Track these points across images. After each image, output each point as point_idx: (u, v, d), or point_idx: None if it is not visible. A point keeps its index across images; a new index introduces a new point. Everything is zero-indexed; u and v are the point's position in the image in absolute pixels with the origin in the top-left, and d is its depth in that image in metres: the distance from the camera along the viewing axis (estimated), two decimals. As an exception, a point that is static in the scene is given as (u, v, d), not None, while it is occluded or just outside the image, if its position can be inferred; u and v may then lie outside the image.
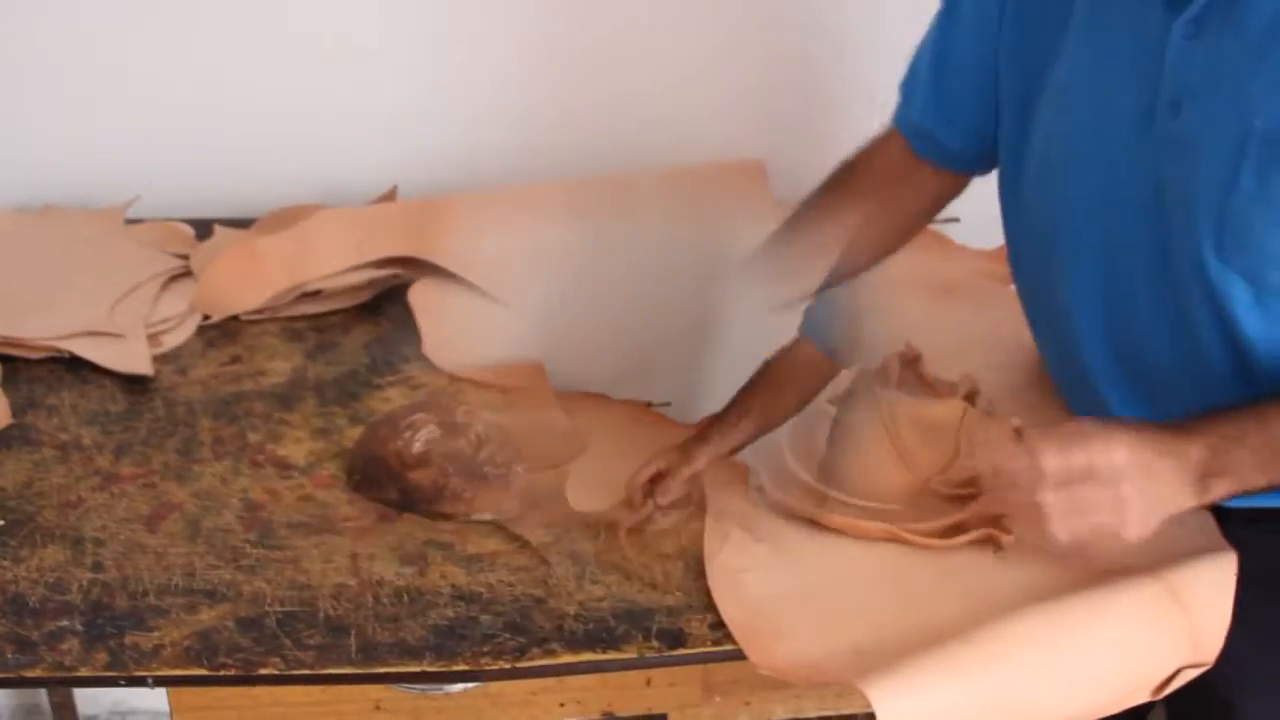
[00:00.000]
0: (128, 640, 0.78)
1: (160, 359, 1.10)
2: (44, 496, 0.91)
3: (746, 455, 0.98)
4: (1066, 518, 0.78)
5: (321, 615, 0.81)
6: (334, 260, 1.22)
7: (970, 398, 1.00)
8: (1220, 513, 0.93)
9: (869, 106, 1.12)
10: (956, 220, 1.49)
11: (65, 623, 0.79)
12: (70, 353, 1.07)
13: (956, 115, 0.99)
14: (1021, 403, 1.05)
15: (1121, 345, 0.93)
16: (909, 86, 1.02)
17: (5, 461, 0.95)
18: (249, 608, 0.82)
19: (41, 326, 1.08)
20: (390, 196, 1.35)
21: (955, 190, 1.06)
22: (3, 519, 0.88)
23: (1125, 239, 0.89)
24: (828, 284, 1.05)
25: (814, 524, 0.92)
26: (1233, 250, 0.83)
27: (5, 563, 0.84)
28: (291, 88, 1.36)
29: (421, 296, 1.23)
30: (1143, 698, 0.82)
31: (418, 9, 1.39)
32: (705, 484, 0.95)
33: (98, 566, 0.84)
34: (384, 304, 1.24)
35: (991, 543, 0.89)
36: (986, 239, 1.42)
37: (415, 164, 1.40)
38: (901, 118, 1.02)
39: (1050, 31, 0.92)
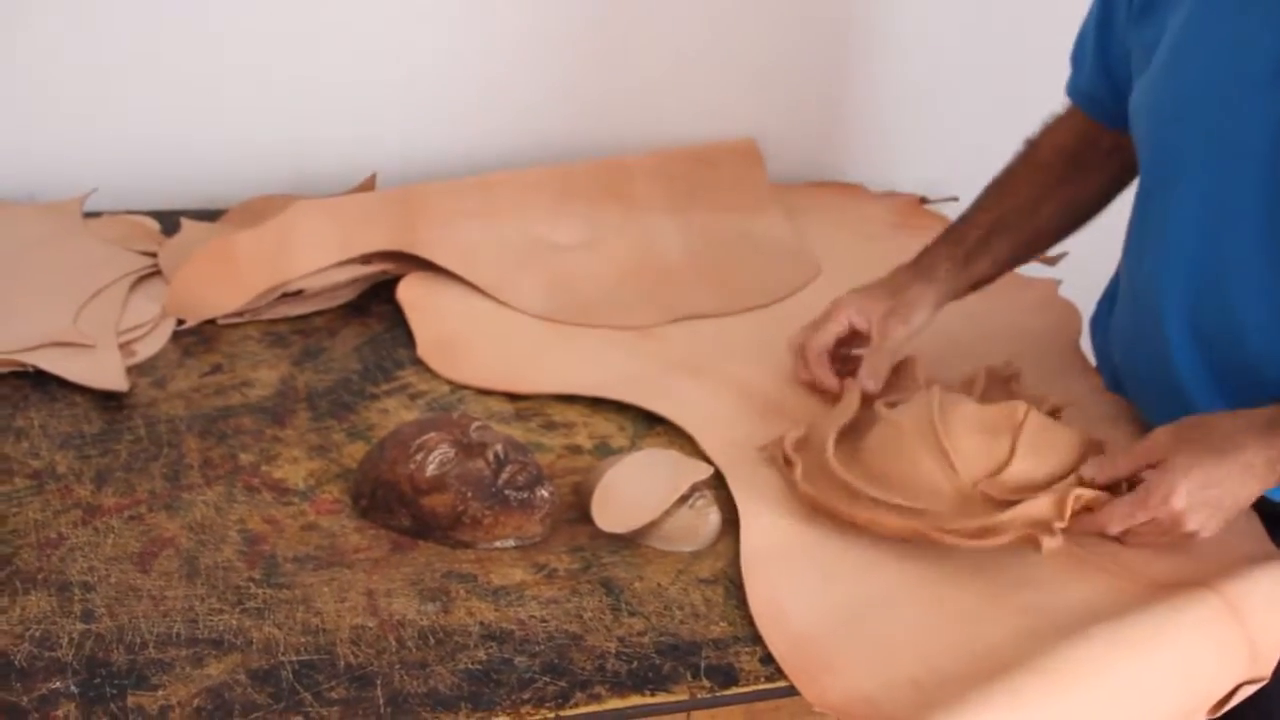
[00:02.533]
0: (130, 702, 0.70)
1: (135, 371, 1.01)
2: (20, 535, 0.82)
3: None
4: (1146, 544, 0.85)
5: (342, 664, 0.74)
6: (316, 257, 1.13)
7: (1053, 409, 0.94)
8: (1266, 518, 0.90)
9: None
10: (955, 199, 1.45)
11: (58, 684, 0.71)
12: (35, 367, 0.98)
13: (1119, 77, 0.99)
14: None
15: (1205, 326, 0.90)
16: (1078, 55, 1.04)
17: (-26, 496, 0.86)
18: (261, 658, 0.74)
19: (4, 339, 0.99)
20: (369, 185, 1.26)
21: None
22: (-24, 564, 0.80)
23: (1232, 194, 0.86)
24: (1017, 259, 1.08)
25: (849, 535, 0.87)
26: None
27: (-16, 615, 0.76)
28: (258, 69, 1.27)
29: (411, 293, 1.16)
30: (1202, 716, 0.79)
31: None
32: (737, 497, 0.90)
33: (89, 615, 0.76)
34: (370, 302, 1.16)
35: (1030, 543, 0.82)
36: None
37: (392, 149, 1.32)
38: (1073, 86, 1.06)
39: None
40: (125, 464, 0.91)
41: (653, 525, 0.86)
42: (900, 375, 1.02)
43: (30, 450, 0.91)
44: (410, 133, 1.33)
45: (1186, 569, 0.84)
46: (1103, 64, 1.01)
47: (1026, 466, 0.87)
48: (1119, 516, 0.83)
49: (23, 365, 0.98)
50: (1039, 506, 0.84)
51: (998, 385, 0.98)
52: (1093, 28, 1.01)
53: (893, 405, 0.94)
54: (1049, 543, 0.82)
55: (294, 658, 0.74)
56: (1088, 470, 0.85)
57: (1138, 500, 0.82)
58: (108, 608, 0.77)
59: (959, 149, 1.39)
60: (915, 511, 0.86)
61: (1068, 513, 0.83)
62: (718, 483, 0.91)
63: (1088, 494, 0.84)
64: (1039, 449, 0.87)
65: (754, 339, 1.14)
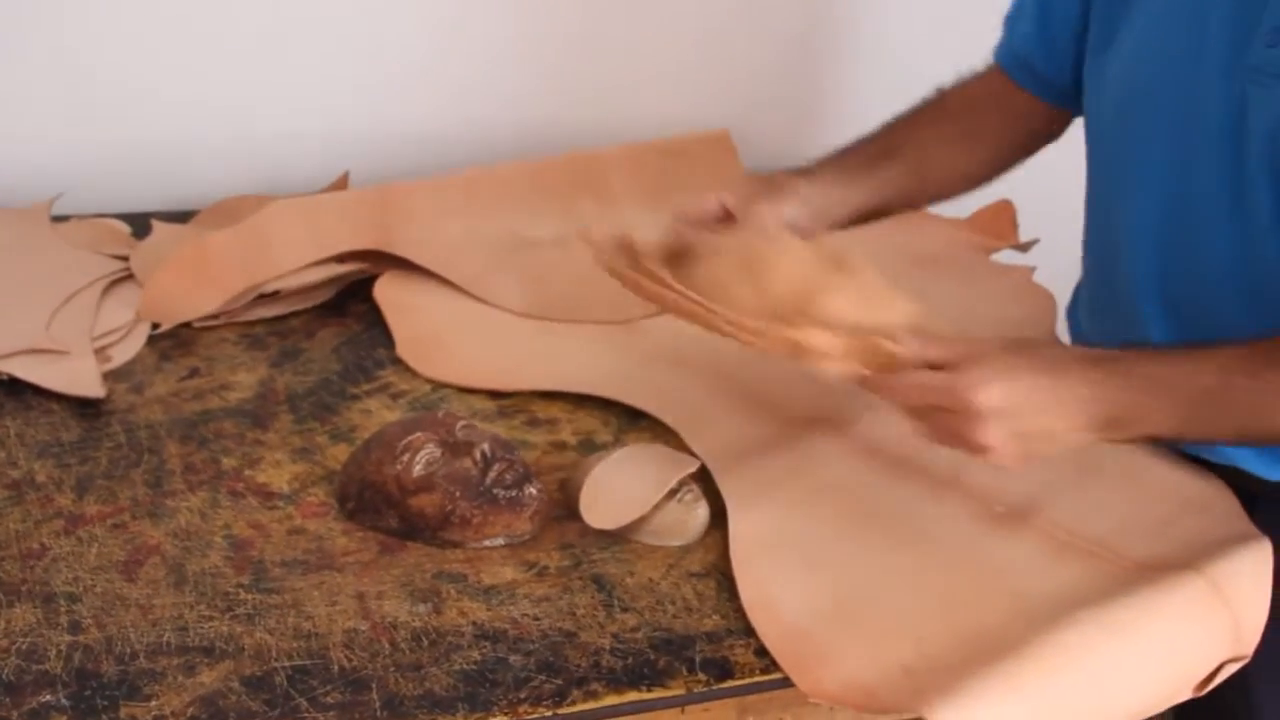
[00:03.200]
0: (123, 713, 0.69)
1: (111, 376, 0.99)
2: (1, 546, 0.81)
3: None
4: (935, 437, 0.78)
5: (336, 668, 0.73)
6: (291, 257, 1.12)
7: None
8: (1243, 496, 0.91)
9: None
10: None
11: (48, 697, 0.70)
12: (8, 375, 0.96)
13: (1055, 45, 1.00)
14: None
15: (1178, 295, 0.90)
16: (1013, 19, 1.04)
17: (-48, 508, 0.85)
18: (254, 664, 0.73)
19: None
20: (342, 184, 1.25)
21: (1048, 126, 1.06)
22: (-41, 577, 0.78)
23: (1198, 171, 0.86)
24: (902, 199, 1.04)
25: (836, 526, 0.87)
26: None
27: (-32, 629, 0.75)
28: (227, 66, 1.25)
29: (388, 292, 1.15)
30: (1186, 695, 0.80)
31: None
32: (725, 494, 0.90)
33: (75, 627, 0.75)
34: (348, 302, 1.15)
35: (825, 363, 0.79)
36: (958, 208, 1.39)
37: (365, 147, 1.31)
38: (1006, 50, 1.05)
39: None
40: (106, 471, 0.89)
41: (642, 520, 0.86)
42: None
43: (8, 459, 0.89)
44: (383, 130, 1.32)
45: (1170, 550, 0.85)
46: (1043, 32, 1.00)
47: (844, 307, 0.81)
48: (916, 386, 0.77)
49: (-3, 374, 0.96)
50: (836, 340, 0.79)
51: None
52: None
53: None
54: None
55: (287, 663, 0.74)
56: (901, 338, 0.78)
57: (942, 379, 0.76)
58: (95, 618, 0.76)
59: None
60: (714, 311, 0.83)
61: (862, 354, 0.78)
62: (704, 476, 0.91)
63: (894, 349, 0.77)
64: (869, 299, 0.82)
65: (733, 330, 1.14)
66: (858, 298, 0.82)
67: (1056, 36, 1.00)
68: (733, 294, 0.83)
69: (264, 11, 1.25)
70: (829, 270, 0.83)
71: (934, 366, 0.77)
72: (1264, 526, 0.88)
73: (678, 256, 0.90)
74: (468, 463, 0.85)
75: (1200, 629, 0.81)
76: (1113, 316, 0.98)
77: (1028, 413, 0.75)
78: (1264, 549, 0.85)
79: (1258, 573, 0.84)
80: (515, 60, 1.34)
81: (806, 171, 1.02)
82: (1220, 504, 0.91)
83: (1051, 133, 1.07)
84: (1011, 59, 1.04)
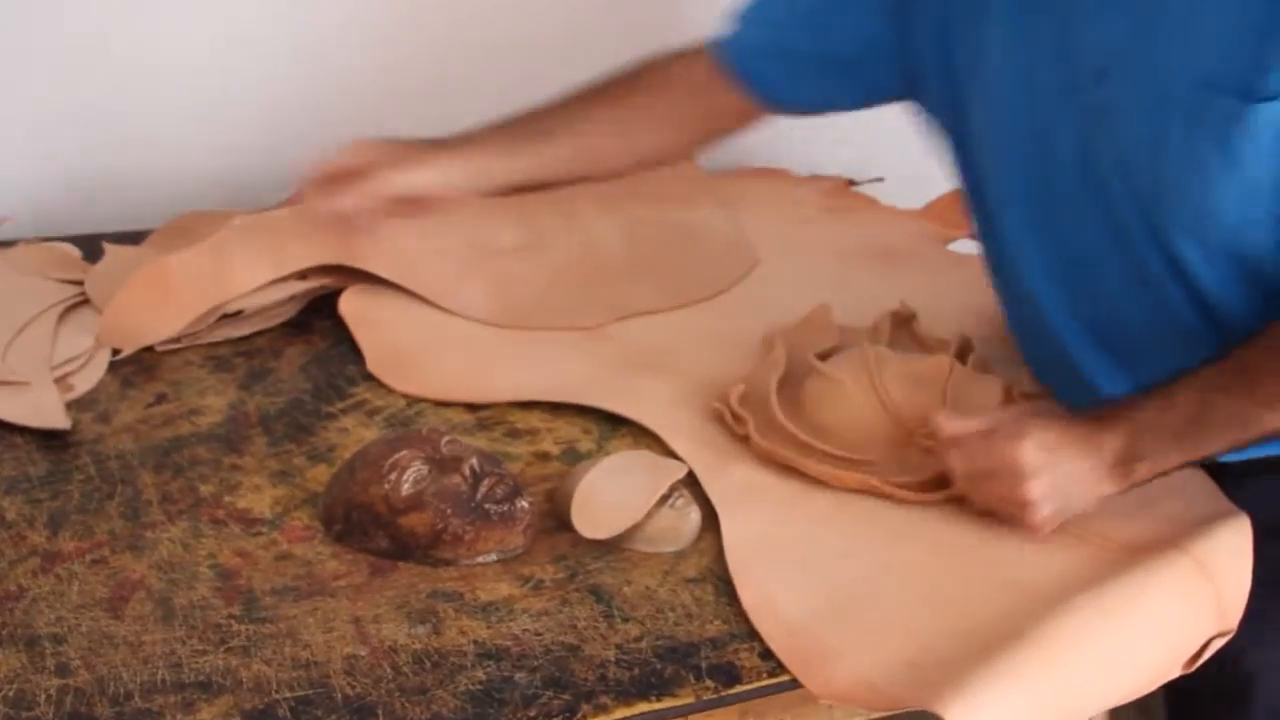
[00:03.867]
0: (123, 756, 0.67)
1: (74, 406, 0.96)
2: (-24, 590, 0.78)
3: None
4: (981, 502, 0.85)
5: (339, 696, 0.72)
6: (252, 275, 1.09)
7: (962, 354, 1.00)
8: (1209, 471, 0.93)
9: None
10: (881, 180, 1.47)
11: (42, 745, 0.67)
12: (-32, 410, 0.93)
13: (839, 67, 0.99)
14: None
15: (1090, 315, 0.93)
16: (750, 24, 1.00)
17: (-80, 551, 0.81)
18: (254, 697, 0.71)
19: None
20: (297, 200, 1.22)
21: (750, 122, 1.04)
22: (-65, 624, 0.75)
23: (1073, 210, 0.89)
24: (567, 180, 1.04)
25: (828, 524, 0.88)
26: (1174, 211, 0.84)
27: (-51, 679, 0.71)
28: (175, 81, 1.22)
29: (353, 306, 1.12)
30: (1176, 672, 0.82)
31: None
32: (713, 498, 0.89)
33: (64, 669, 0.72)
34: (312, 319, 1.12)
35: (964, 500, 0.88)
36: (912, 199, 1.40)
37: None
38: (731, 47, 1.01)
39: (973, 12, 0.90)
40: (79, 505, 0.86)
41: (635, 528, 0.85)
42: (813, 324, 1.07)
43: (-26, 498, 0.86)
44: (335, 143, 1.29)
45: (1155, 531, 0.86)
46: (820, 49, 0.99)
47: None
48: (964, 452, 0.83)
49: (-45, 409, 0.93)
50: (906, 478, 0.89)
51: (901, 327, 1.06)
52: (795, 14, 1.00)
53: (822, 358, 0.99)
54: None
55: (289, 694, 0.72)
56: (944, 419, 0.85)
57: (986, 441, 0.82)
58: (83, 659, 0.73)
59: (880, 131, 1.41)
60: (861, 463, 0.91)
61: None
62: (691, 480, 0.91)
63: (941, 431, 0.86)
64: (966, 399, 0.93)
65: (702, 332, 1.14)
66: (959, 400, 0.93)
67: (841, 55, 0.99)
68: (862, 428, 0.94)
69: (215, 33, 1.22)
70: (933, 381, 0.95)
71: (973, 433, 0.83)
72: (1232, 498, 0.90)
73: (783, 384, 0.99)
74: (457, 479, 0.83)
75: (1187, 607, 0.82)
76: (1057, 374, 0.99)
77: (1061, 461, 0.81)
78: (1243, 524, 0.87)
79: (1238, 547, 0.86)
80: (466, 78, 1.33)
81: (453, 142, 1.00)
82: (1196, 483, 0.92)
83: (748, 126, 1.06)
84: (736, 59, 1.01)
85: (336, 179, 0.96)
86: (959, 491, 0.87)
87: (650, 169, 1.07)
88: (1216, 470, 0.93)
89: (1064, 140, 0.88)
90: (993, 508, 0.85)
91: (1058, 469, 0.81)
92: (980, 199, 0.97)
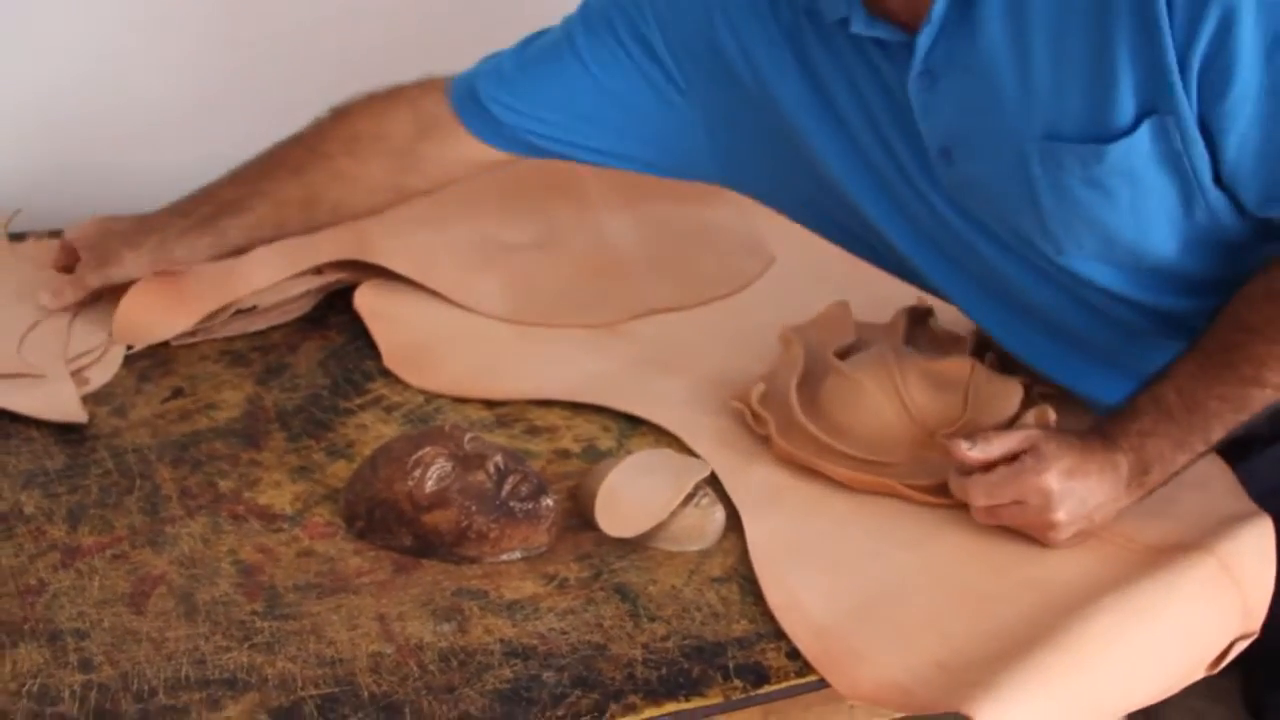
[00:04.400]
0: (148, 754, 0.66)
1: (90, 400, 0.95)
2: (-3, 583, 0.77)
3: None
4: (1007, 522, 0.84)
5: (365, 694, 0.71)
6: (266, 271, 1.09)
7: (978, 352, 1.00)
8: (1237, 445, 0.92)
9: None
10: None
11: (67, 741, 0.66)
12: (-15, 403, 0.92)
13: (553, 127, 1.00)
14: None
15: (1046, 335, 0.95)
16: (498, 80, 1.00)
17: (-60, 545, 0.80)
18: (280, 695, 0.70)
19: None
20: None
21: (489, 165, 1.05)
22: (-45, 619, 0.74)
23: (985, 257, 0.92)
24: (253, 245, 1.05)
25: (849, 524, 0.87)
26: (1074, 248, 0.87)
27: (-28, 674, 0.70)
28: (176, 72, 1.21)
29: (369, 302, 1.12)
30: (1201, 674, 0.81)
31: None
32: (735, 498, 0.89)
33: (87, 665, 0.71)
34: (327, 314, 1.12)
35: None
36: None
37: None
38: (475, 109, 1.00)
39: (796, 103, 0.93)
40: (98, 500, 0.85)
41: (659, 527, 0.84)
42: (830, 321, 1.06)
43: (-8, 492, 0.85)
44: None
45: (1179, 532, 0.86)
46: (582, 106, 0.99)
47: (976, 418, 0.92)
48: (987, 487, 0.83)
49: (-30, 402, 0.92)
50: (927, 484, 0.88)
51: (917, 323, 1.05)
52: (548, 68, 0.99)
53: (840, 355, 0.99)
54: None
55: (314, 692, 0.71)
56: (964, 447, 0.84)
57: (1011, 473, 0.82)
58: (106, 655, 0.72)
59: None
60: (881, 465, 0.91)
61: None
62: (712, 479, 0.90)
63: (964, 458, 0.86)
64: (987, 400, 0.93)
65: (719, 331, 1.13)
66: (980, 402, 0.94)
67: (560, 121, 0.99)
68: (884, 429, 0.94)
69: (214, 23, 1.21)
70: (954, 383, 0.95)
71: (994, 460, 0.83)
72: (1262, 467, 0.91)
73: (802, 383, 0.98)
74: (481, 476, 0.83)
75: (1214, 608, 0.82)
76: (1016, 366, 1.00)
77: (1083, 484, 0.82)
78: (1265, 525, 0.87)
79: (1263, 549, 0.85)
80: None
81: (152, 223, 1.04)
82: (1216, 478, 0.92)
83: (486, 168, 1.06)
84: (474, 114, 1.00)
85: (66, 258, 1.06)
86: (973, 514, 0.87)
87: (345, 221, 1.07)
88: (1238, 443, 0.93)
89: (942, 209, 0.91)
90: (1016, 526, 0.85)
91: (1081, 492, 0.82)
92: (897, 263, 1.00)
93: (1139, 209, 0.83)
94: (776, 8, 0.92)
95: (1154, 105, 0.79)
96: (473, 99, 1.00)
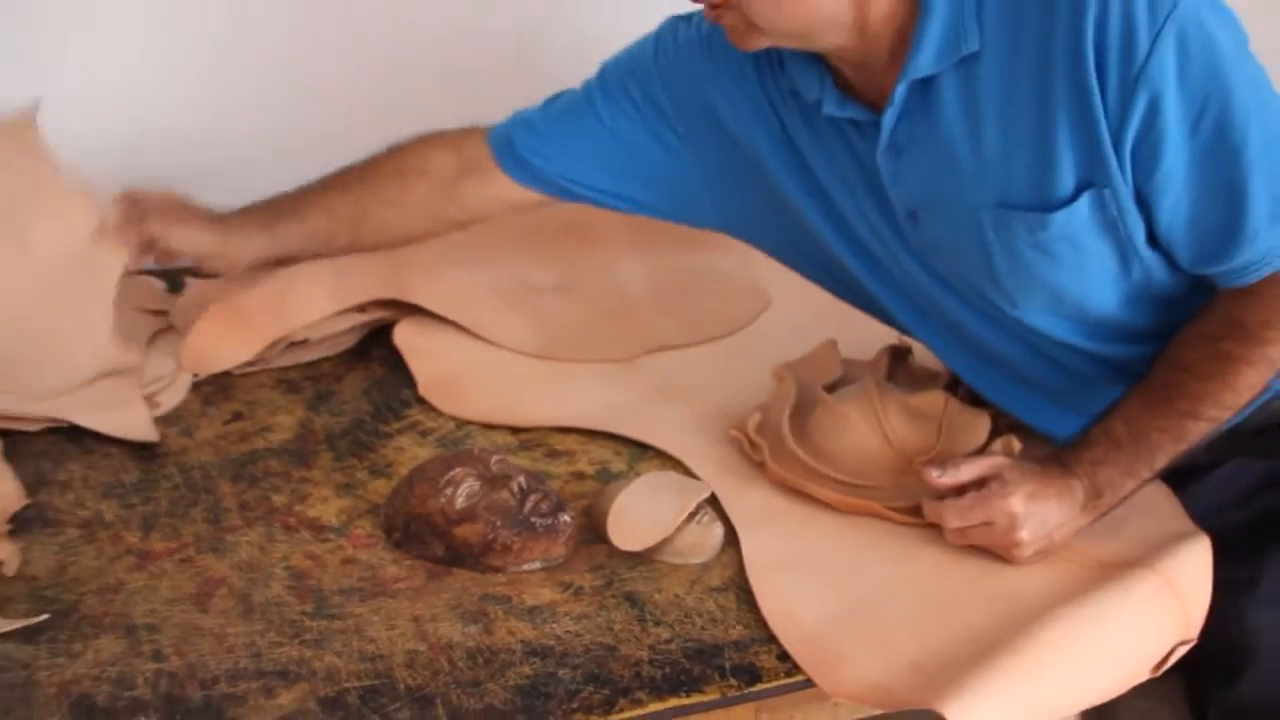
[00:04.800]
0: (211, 735, 0.69)
1: (161, 421, 0.99)
2: (81, 582, 0.80)
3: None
4: (973, 541, 0.87)
5: (402, 686, 0.74)
6: (317, 307, 1.12)
7: (951, 387, 1.03)
8: (1180, 473, 0.94)
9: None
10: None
11: (141, 722, 0.70)
12: (69, 423, 0.95)
13: (585, 173, 1.04)
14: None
15: (1007, 379, 0.98)
16: (531, 131, 1.04)
17: (31, 547, 0.83)
18: (327, 686, 0.73)
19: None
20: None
21: (518, 204, 1.09)
22: (45, 611, 0.77)
23: (947, 309, 0.95)
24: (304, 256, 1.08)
25: (837, 541, 0.90)
26: (1026, 303, 0.90)
27: (60, 660, 0.73)
28: (240, 126, 1.25)
29: (407, 337, 1.15)
30: (1145, 675, 0.83)
31: (360, 52, 1.30)
32: (733, 517, 0.91)
33: (158, 655, 0.74)
34: (370, 347, 1.15)
35: None
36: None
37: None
38: (511, 155, 1.05)
39: (783, 173, 0.97)
40: (167, 510, 0.89)
41: (665, 541, 0.87)
42: (820, 358, 1.09)
43: (76, 501, 0.89)
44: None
45: (1128, 550, 0.88)
46: (565, 152, 1.03)
47: (949, 445, 0.96)
48: (959, 510, 0.85)
49: (59, 421, 0.95)
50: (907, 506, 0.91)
51: (898, 360, 1.08)
52: (581, 125, 1.03)
53: (829, 389, 1.02)
54: None
55: (357, 684, 0.74)
56: (935, 474, 0.87)
57: (980, 498, 0.84)
58: (175, 647, 0.75)
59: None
60: (864, 489, 0.94)
61: None
62: (712, 500, 0.93)
63: (935, 484, 0.91)
64: (959, 430, 0.97)
65: (720, 366, 1.16)
66: (953, 432, 0.97)
67: (590, 167, 1.04)
68: (867, 455, 0.97)
69: (269, 72, 1.25)
70: (930, 415, 0.98)
71: (964, 485, 0.86)
72: (1202, 492, 0.94)
73: (794, 414, 1.01)
74: (506, 494, 0.86)
75: (1156, 617, 0.84)
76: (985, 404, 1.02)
77: (1044, 508, 0.84)
78: (1204, 544, 0.89)
79: (1200, 564, 0.88)
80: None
81: (229, 215, 1.06)
82: (1162, 502, 0.94)
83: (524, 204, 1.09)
84: (511, 160, 1.05)
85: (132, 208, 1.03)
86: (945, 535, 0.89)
87: (388, 242, 1.11)
88: (1180, 471, 0.95)
89: (910, 265, 0.94)
90: (984, 545, 0.87)
91: (1042, 514, 0.84)
92: (873, 307, 1.03)
93: (1081, 269, 0.86)
94: (764, 84, 0.95)
95: (1092, 179, 0.82)
96: (508, 145, 1.05)
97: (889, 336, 1.12)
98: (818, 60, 0.89)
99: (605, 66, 1.05)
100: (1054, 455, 0.88)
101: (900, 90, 0.85)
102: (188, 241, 1.03)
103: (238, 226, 1.05)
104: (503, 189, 1.07)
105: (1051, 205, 0.83)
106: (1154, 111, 0.79)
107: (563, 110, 1.05)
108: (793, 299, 1.30)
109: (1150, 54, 0.77)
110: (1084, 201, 0.83)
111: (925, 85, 0.85)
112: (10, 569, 0.80)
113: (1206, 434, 0.86)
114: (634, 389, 1.11)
